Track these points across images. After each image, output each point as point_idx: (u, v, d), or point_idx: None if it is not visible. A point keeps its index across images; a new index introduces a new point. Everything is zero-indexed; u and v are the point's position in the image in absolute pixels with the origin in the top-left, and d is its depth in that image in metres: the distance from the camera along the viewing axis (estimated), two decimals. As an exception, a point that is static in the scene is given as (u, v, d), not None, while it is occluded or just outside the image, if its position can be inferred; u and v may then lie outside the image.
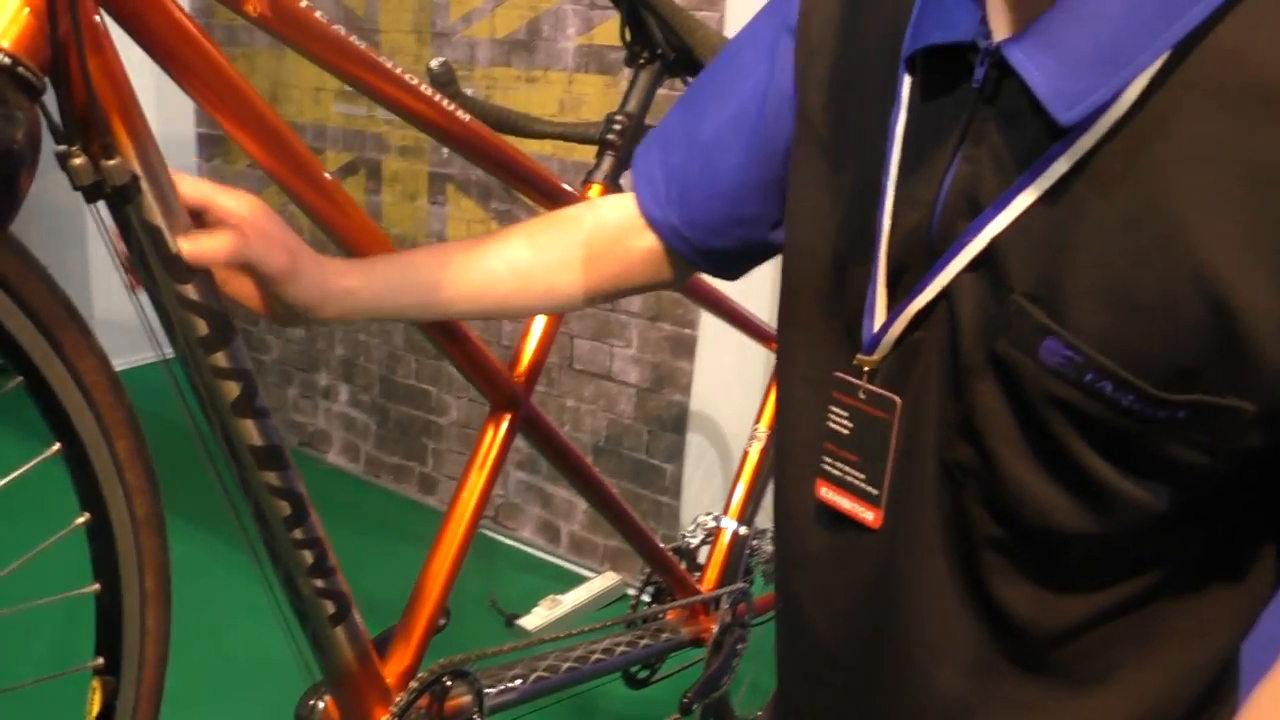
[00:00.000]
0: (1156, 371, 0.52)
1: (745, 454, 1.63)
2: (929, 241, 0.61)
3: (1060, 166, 0.54)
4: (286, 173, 0.72)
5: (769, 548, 1.90)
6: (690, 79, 1.18)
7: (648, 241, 0.80)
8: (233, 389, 0.71)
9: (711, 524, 1.59)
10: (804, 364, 0.71)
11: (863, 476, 0.66)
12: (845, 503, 0.67)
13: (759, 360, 2.35)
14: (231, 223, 0.66)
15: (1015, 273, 0.56)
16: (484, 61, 2.60)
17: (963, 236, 0.58)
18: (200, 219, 0.66)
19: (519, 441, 1.03)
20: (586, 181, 1.11)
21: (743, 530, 1.59)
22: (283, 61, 2.99)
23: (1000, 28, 0.57)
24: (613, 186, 1.11)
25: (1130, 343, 0.53)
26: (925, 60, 0.61)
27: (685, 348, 2.43)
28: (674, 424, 2.51)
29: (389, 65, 0.77)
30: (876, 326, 0.64)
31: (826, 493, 0.69)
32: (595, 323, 2.55)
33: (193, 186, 0.65)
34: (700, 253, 0.79)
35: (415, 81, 0.80)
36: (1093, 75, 0.52)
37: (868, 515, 0.66)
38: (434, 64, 1.17)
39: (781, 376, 0.75)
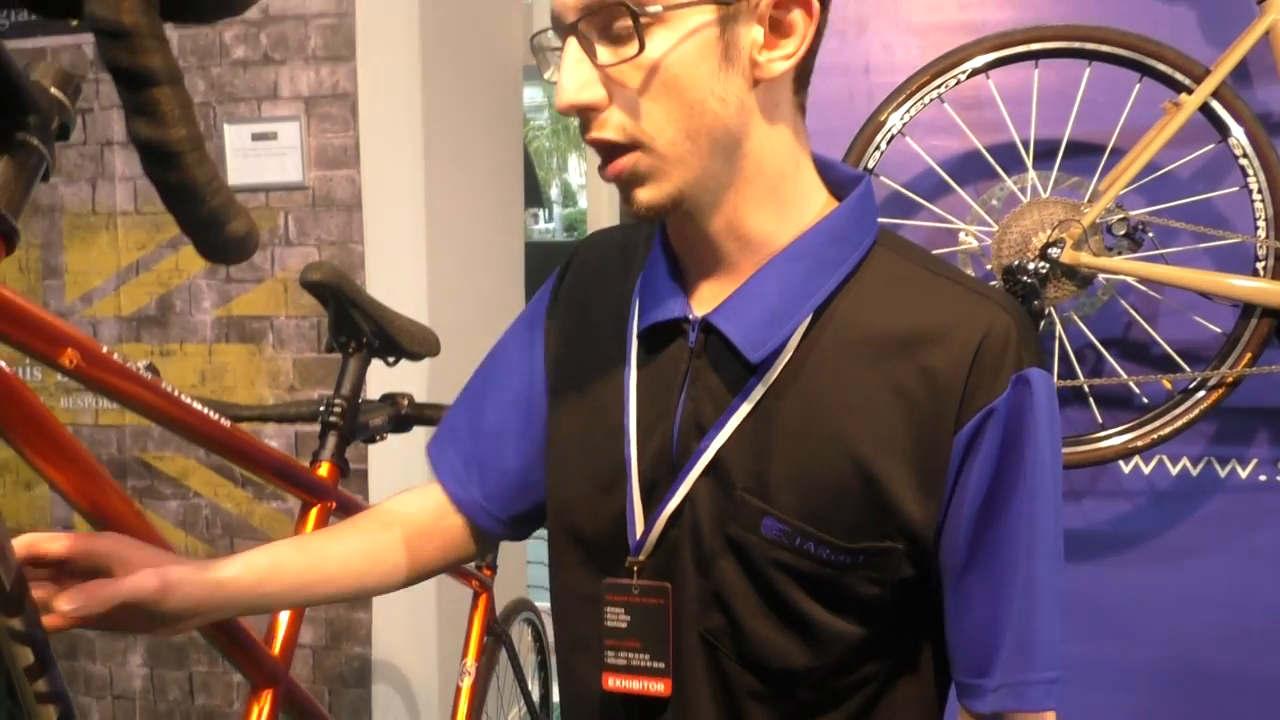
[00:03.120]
0: (840, 530, 0.74)
1: (458, 689, 1.71)
2: (671, 461, 0.80)
3: (759, 391, 0.76)
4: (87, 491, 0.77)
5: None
6: (392, 360, 1.34)
7: (458, 521, 0.94)
8: (52, 714, 0.73)
9: (437, 768, 1.63)
10: (576, 581, 0.87)
11: (647, 657, 0.81)
12: (635, 684, 0.81)
13: (431, 600, 2.43)
14: (104, 564, 0.71)
15: (736, 473, 0.76)
16: (110, 339, 2.54)
17: (696, 453, 0.78)
18: (65, 566, 0.71)
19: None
20: (315, 461, 1.20)
21: (467, 767, 1.65)
22: None
23: (700, 306, 0.79)
24: (340, 462, 1.21)
25: (820, 512, 0.74)
26: (648, 332, 0.82)
27: (362, 599, 2.44)
28: (356, 678, 2.47)
29: (172, 391, 0.86)
30: (639, 533, 0.81)
31: (615, 682, 0.82)
32: (260, 589, 2.49)
33: (61, 544, 0.70)
34: (500, 521, 0.94)
35: (188, 400, 0.89)
36: (766, 330, 0.75)
37: (659, 687, 0.81)
38: (140, 365, 1.23)
39: (556, 598, 0.91)
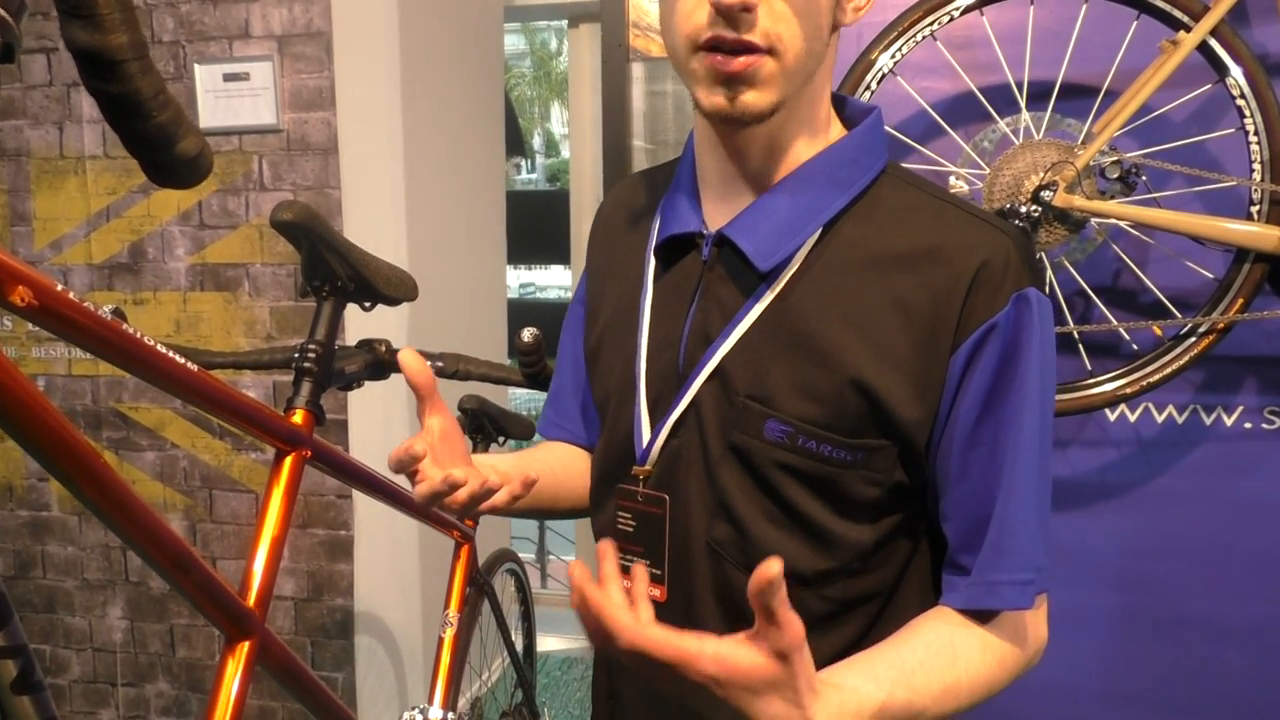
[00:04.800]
0: (840, 429, 0.78)
1: (440, 640, 1.69)
2: (677, 371, 0.84)
3: (765, 301, 0.81)
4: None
5: (464, 732, 1.94)
6: (368, 305, 1.30)
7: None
8: (10, 668, 0.71)
9: (420, 719, 1.62)
10: (606, 486, 0.92)
11: (648, 562, 0.85)
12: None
13: (414, 551, 2.41)
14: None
15: (739, 380, 0.81)
16: (81, 287, 2.49)
17: (700, 362, 0.82)
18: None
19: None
20: (289, 408, 1.17)
21: (450, 717, 1.64)
22: None
23: (714, 220, 0.85)
24: (315, 409, 1.18)
25: (822, 416, 0.79)
26: (666, 249, 0.88)
27: (343, 550, 2.43)
28: (339, 630, 2.46)
29: (136, 333, 0.82)
30: (644, 442, 0.85)
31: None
32: (240, 540, 2.47)
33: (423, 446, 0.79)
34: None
35: (153, 342, 0.85)
36: (776, 242, 0.81)
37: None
38: (106, 309, 1.19)
39: (594, 504, 0.96)
